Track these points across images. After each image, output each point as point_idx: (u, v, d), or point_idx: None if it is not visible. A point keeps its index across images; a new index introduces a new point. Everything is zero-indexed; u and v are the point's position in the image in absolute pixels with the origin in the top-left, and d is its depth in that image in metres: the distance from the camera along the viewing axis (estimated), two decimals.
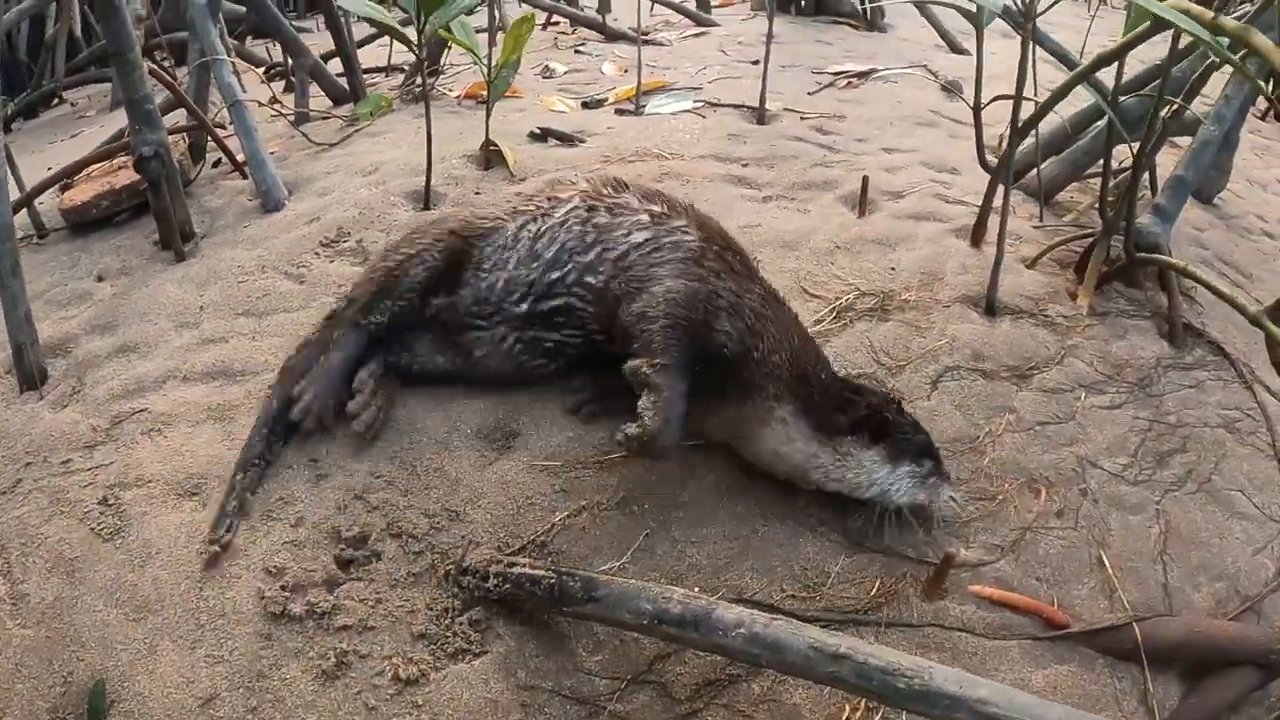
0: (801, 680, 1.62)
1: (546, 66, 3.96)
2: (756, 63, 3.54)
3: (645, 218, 1.96)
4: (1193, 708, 1.77)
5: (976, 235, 2.63)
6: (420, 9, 2.33)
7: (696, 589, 1.67)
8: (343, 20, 3.58)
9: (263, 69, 4.31)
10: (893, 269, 2.50)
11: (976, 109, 2.32)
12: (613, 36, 4.56)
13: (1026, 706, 1.20)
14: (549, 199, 2.08)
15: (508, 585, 1.64)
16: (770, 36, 3.29)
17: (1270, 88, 4.46)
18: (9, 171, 2.65)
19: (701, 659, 1.64)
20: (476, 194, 2.76)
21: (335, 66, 3.77)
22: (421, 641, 1.67)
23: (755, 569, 1.78)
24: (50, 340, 2.40)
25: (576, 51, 4.31)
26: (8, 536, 1.91)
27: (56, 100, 5.86)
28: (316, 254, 2.59)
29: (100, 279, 2.72)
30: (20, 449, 2.10)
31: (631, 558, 1.76)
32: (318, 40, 4.67)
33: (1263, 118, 4.60)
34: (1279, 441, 2.31)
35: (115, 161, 3.11)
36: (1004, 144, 2.67)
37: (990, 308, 2.39)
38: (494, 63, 2.77)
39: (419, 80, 2.57)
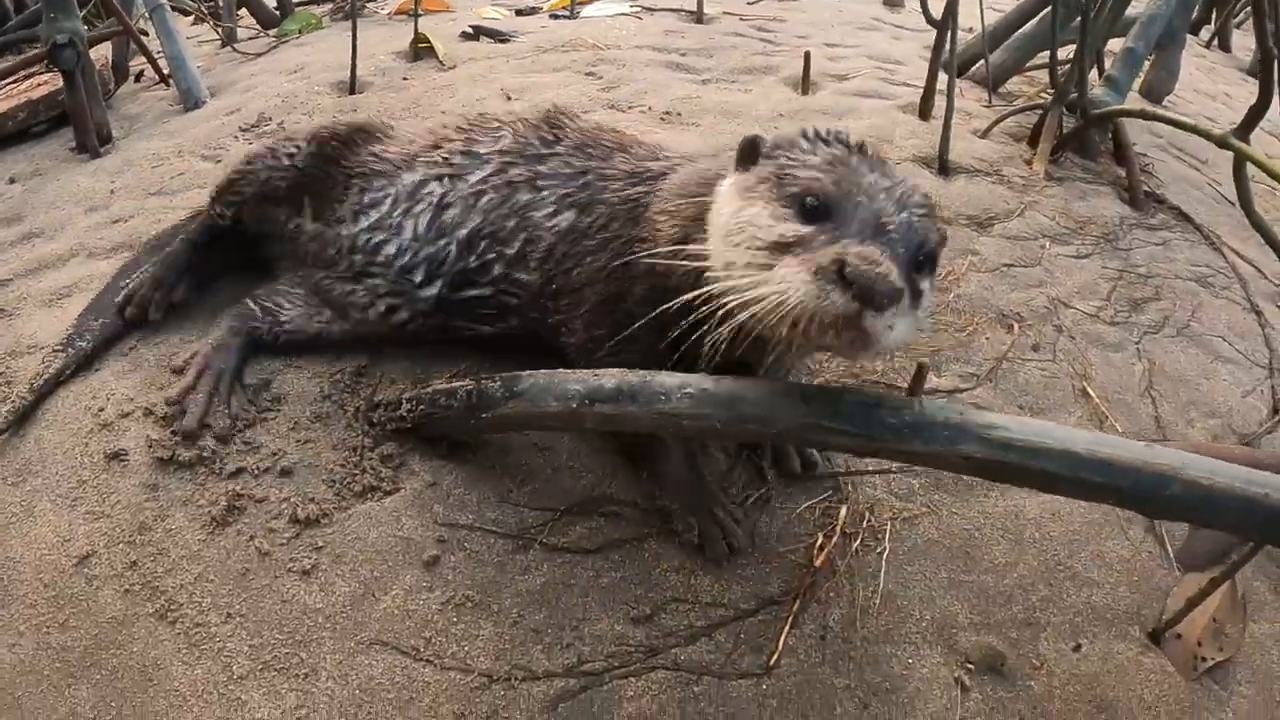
0: (762, 509, 1.35)
1: None
2: None
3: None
4: (1203, 540, 1.50)
5: (923, 108, 2.39)
6: None
7: None
8: None
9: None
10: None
11: None
12: None
13: (1040, 429, 0.93)
14: (462, 151, 1.51)
15: (423, 407, 1.33)
16: None
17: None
18: None
19: (648, 485, 1.35)
20: (404, 80, 2.46)
21: None
22: (325, 482, 1.36)
23: None
24: None
25: None
26: None
27: None
28: (235, 138, 2.28)
29: (12, 181, 2.40)
30: None
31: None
32: None
33: (1207, 45, 4.48)
34: (1254, 295, 2.09)
35: (36, 79, 2.78)
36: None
37: (943, 167, 2.14)
38: None
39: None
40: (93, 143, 2.39)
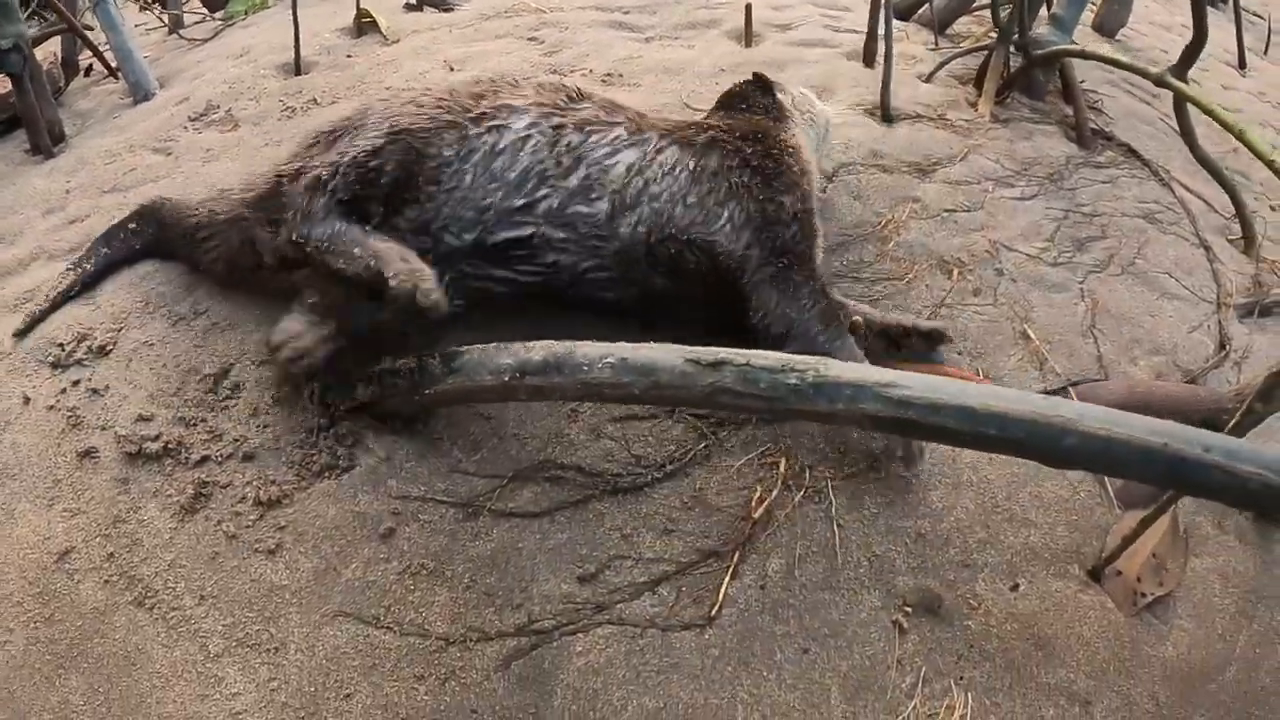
0: (702, 464, 1.41)
1: None
2: None
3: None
4: None
5: (867, 54, 2.41)
6: None
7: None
8: None
9: None
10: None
11: None
12: None
13: (937, 385, 0.98)
14: (495, 106, 1.54)
15: (373, 386, 1.39)
16: None
17: None
18: None
19: (591, 450, 1.41)
20: (348, 57, 2.47)
21: None
22: (285, 464, 1.42)
23: None
24: None
25: None
26: None
27: None
28: (185, 128, 2.29)
29: None
30: None
31: None
32: None
33: None
34: (1202, 230, 2.12)
35: None
36: None
37: (886, 114, 2.16)
38: None
39: None
40: (45, 143, 2.40)
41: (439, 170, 1.47)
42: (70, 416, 1.55)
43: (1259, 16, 4.06)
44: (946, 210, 1.92)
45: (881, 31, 2.23)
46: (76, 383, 1.60)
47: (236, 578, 1.32)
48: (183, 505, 1.40)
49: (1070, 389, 1.56)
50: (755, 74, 1.77)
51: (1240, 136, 1.73)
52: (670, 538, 1.35)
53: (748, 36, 2.46)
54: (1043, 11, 2.53)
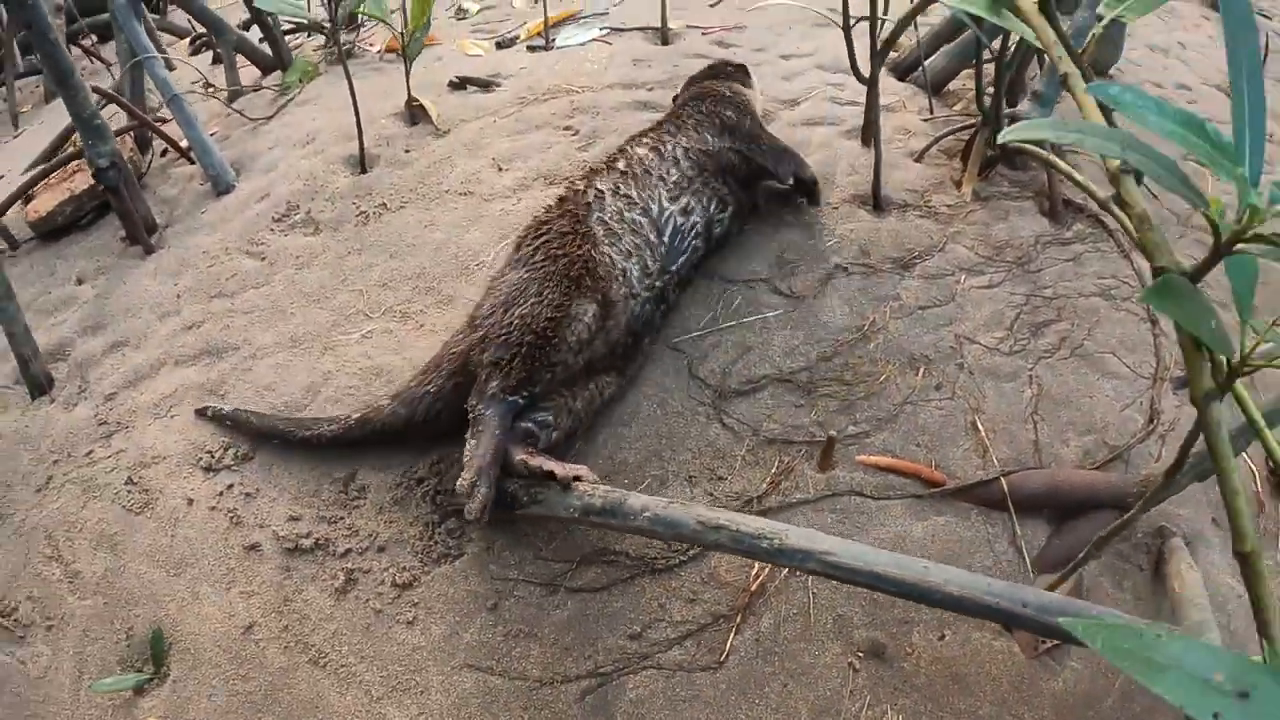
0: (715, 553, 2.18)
1: (459, 7, 4.29)
2: None
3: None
4: (1056, 548, 2.21)
5: (865, 136, 3.06)
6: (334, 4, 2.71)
7: (626, 482, 2.23)
8: None
9: (188, 40, 4.62)
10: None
11: (846, 28, 2.73)
12: None
13: (859, 554, 1.73)
14: (584, 202, 2.43)
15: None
16: None
17: None
18: None
19: (635, 540, 2.19)
20: (406, 152, 3.19)
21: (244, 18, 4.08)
22: (410, 553, 2.22)
23: (674, 462, 2.31)
24: (48, 346, 2.90)
25: None
26: (52, 526, 2.44)
27: None
28: (271, 230, 3.04)
29: (80, 282, 3.20)
30: (45, 449, 2.63)
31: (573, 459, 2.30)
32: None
33: None
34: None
35: (69, 167, 3.52)
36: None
37: (877, 203, 2.84)
38: (407, 27, 3.15)
39: (338, 49, 2.92)
40: (145, 240, 3.16)
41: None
42: (231, 515, 2.35)
43: (1266, 16, 4.53)
44: (921, 307, 2.61)
45: (884, 136, 2.87)
46: (230, 486, 2.40)
47: (386, 642, 2.13)
48: (337, 588, 2.20)
49: (1003, 479, 2.28)
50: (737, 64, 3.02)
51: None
52: (692, 605, 2.13)
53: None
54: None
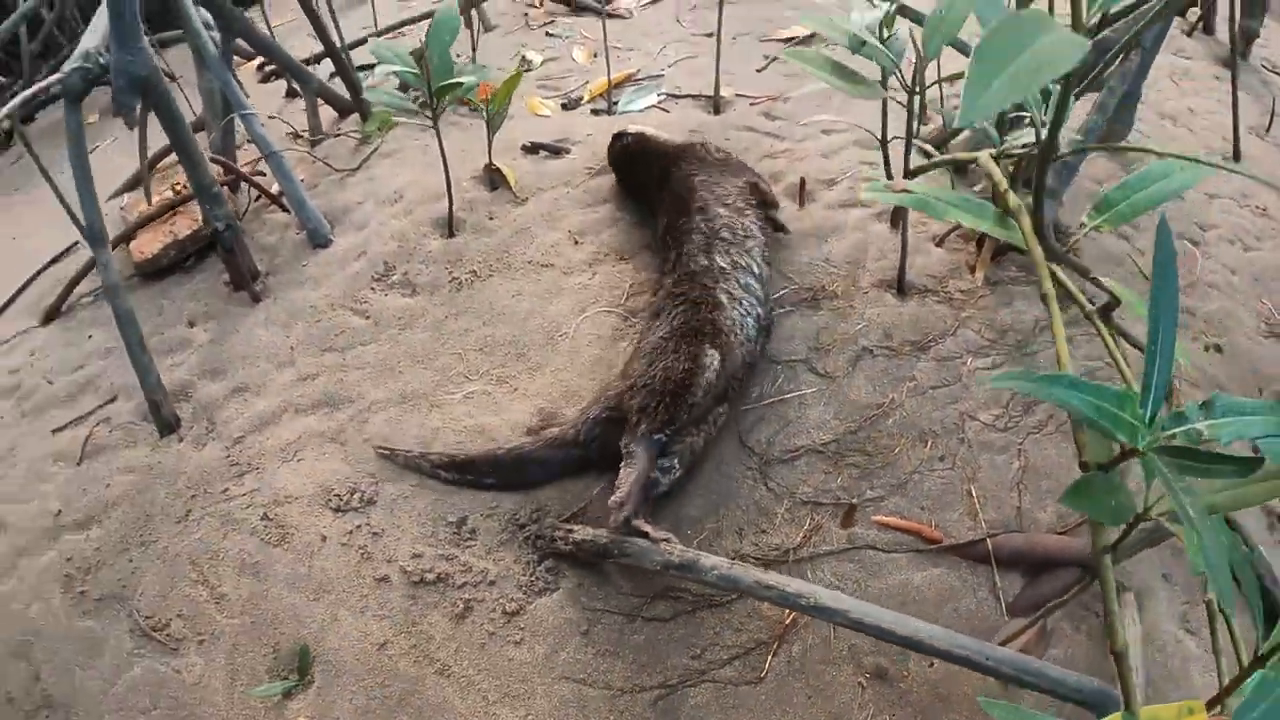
0: None
1: (524, 58, 4.84)
2: (710, 35, 4.41)
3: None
4: (1028, 596, 2.60)
5: (894, 219, 3.67)
6: (433, 94, 3.28)
7: (689, 532, 2.90)
8: (329, 23, 4.39)
9: (255, 64, 5.15)
10: (825, 260, 3.57)
11: (884, 142, 3.33)
12: (578, 7, 5.37)
13: (869, 612, 2.39)
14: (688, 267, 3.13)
15: (570, 545, 2.83)
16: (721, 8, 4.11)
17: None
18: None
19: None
20: (490, 219, 3.79)
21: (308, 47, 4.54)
22: (516, 586, 2.89)
23: (727, 517, 2.97)
24: (170, 386, 3.43)
25: (547, 34, 5.16)
26: (196, 554, 3.01)
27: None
28: (372, 289, 3.65)
29: (191, 324, 3.76)
30: (182, 484, 3.19)
31: (650, 515, 2.96)
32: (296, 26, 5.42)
33: (1189, 33, 5.30)
34: (1130, 379, 3.44)
35: (175, 214, 4.07)
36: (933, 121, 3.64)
37: (901, 289, 3.47)
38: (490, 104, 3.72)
39: (430, 114, 3.44)
40: (251, 289, 3.74)
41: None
42: (362, 551, 3.00)
43: (1276, 73, 5.07)
44: (933, 387, 3.26)
45: (911, 221, 3.49)
46: (359, 526, 3.05)
47: (498, 659, 2.81)
48: (456, 614, 2.87)
49: (988, 540, 2.96)
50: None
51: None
52: (740, 633, 2.80)
53: (801, 199, 3.73)
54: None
